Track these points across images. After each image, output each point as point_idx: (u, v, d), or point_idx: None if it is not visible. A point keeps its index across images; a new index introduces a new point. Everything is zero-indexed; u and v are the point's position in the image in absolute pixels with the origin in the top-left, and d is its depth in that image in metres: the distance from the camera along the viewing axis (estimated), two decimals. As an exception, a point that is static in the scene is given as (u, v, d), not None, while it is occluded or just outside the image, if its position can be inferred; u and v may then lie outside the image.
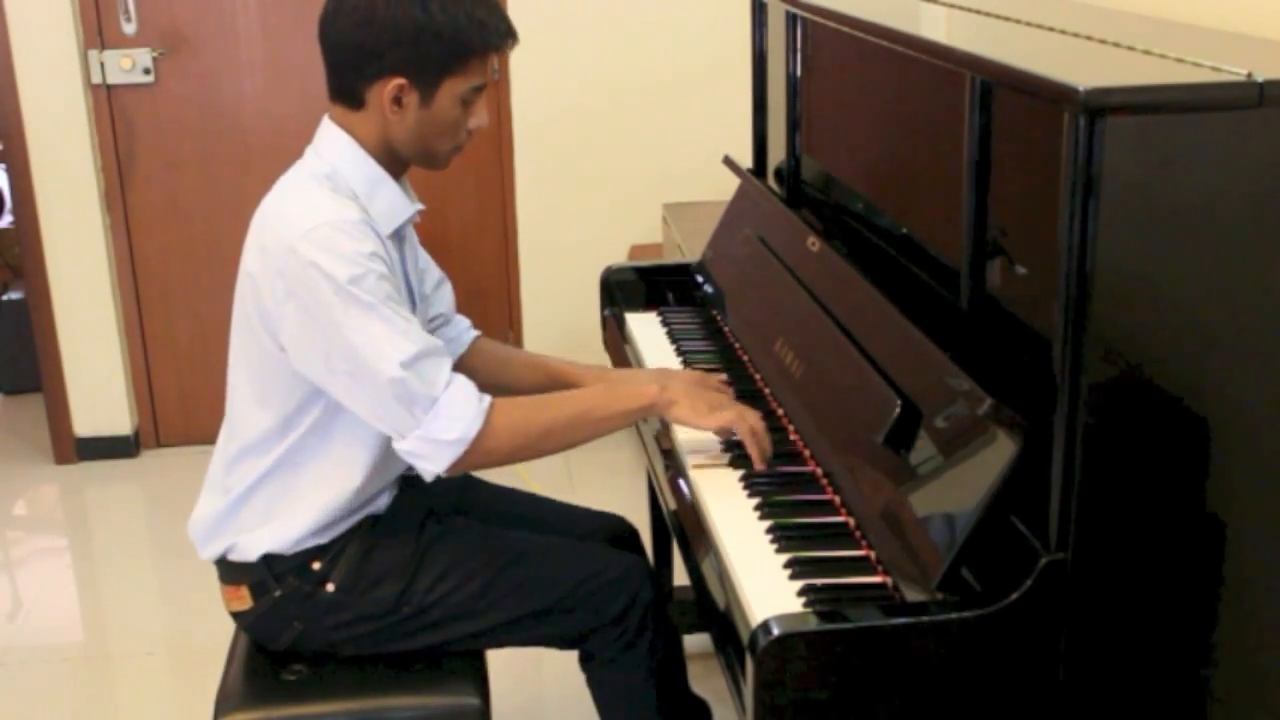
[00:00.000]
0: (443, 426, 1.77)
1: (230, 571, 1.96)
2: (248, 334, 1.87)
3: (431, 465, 1.80)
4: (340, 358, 1.76)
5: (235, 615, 1.99)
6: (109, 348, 3.90)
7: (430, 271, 2.12)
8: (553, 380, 2.21)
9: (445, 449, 1.78)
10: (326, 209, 1.78)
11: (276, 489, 1.90)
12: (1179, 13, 2.00)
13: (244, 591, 1.94)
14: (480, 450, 1.80)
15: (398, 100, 1.81)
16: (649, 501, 2.86)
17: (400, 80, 1.80)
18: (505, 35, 1.84)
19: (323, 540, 1.92)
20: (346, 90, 1.84)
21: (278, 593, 1.92)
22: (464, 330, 2.20)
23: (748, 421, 1.88)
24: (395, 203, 1.88)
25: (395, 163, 1.89)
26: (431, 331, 2.13)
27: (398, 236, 1.92)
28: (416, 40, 1.77)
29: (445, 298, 2.16)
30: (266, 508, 1.91)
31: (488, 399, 1.81)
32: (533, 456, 1.90)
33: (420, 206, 1.95)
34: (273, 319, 1.80)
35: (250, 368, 1.88)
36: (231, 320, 1.91)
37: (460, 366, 2.16)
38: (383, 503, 1.97)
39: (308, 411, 1.86)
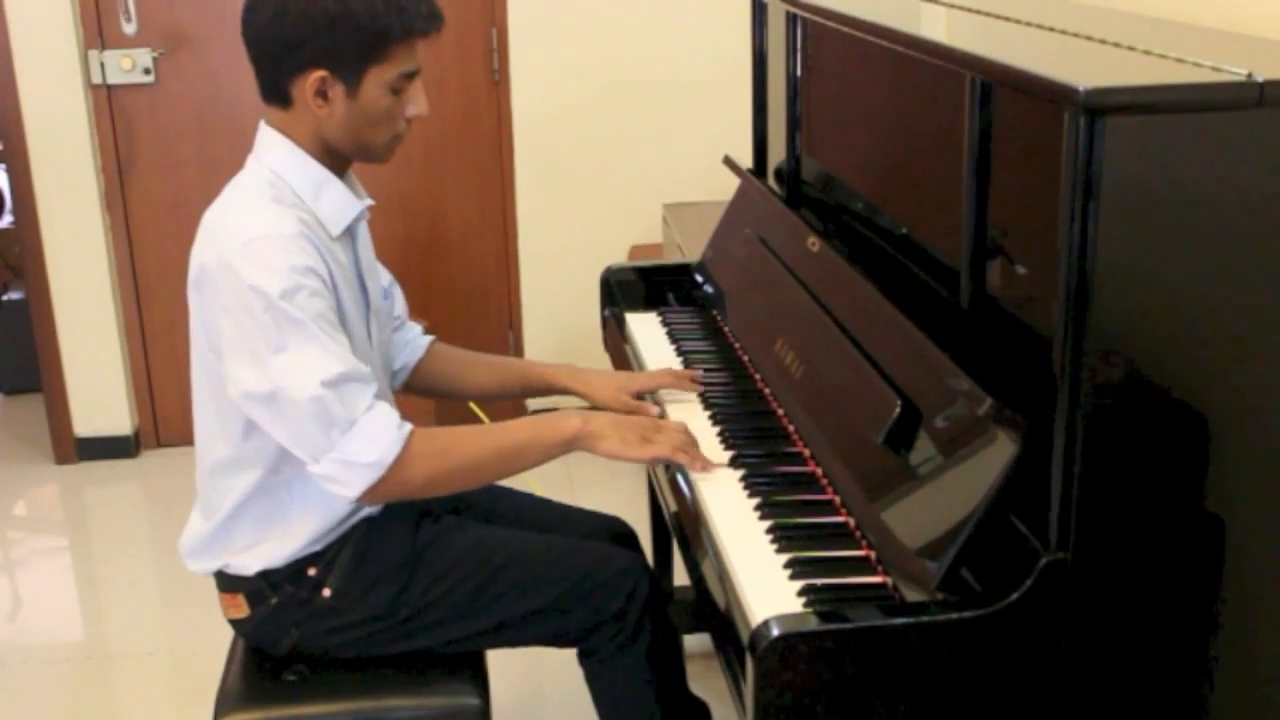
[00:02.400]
0: (358, 449, 1.73)
1: (226, 582, 1.95)
2: (200, 351, 1.84)
3: (345, 490, 1.75)
4: (262, 376, 1.72)
5: (233, 623, 1.98)
6: (109, 348, 3.90)
7: (382, 273, 2.09)
8: (517, 378, 2.20)
9: (360, 472, 1.74)
10: (263, 222, 1.74)
11: (265, 512, 1.88)
12: (1179, 13, 2.00)
13: (240, 600, 1.93)
14: (396, 478, 1.75)
15: (322, 94, 1.77)
16: (649, 502, 2.86)
17: (321, 73, 1.75)
18: (429, 18, 1.78)
19: (317, 547, 1.91)
20: (273, 89, 1.81)
21: (274, 601, 1.91)
22: (418, 335, 2.18)
23: (676, 444, 1.87)
24: (341, 202, 1.85)
25: (336, 159, 1.85)
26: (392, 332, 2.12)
27: (349, 234, 1.89)
28: (331, 29, 1.72)
29: (399, 300, 2.14)
30: (256, 531, 1.89)
31: (408, 426, 1.78)
32: (451, 489, 1.87)
33: (369, 202, 1.91)
34: (215, 335, 1.77)
35: (205, 385, 1.86)
36: (191, 337, 1.88)
37: (419, 372, 2.16)
38: (377, 505, 1.95)
39: (261, 432, 1.82)
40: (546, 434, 1.87)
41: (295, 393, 1.71)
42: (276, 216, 1.76)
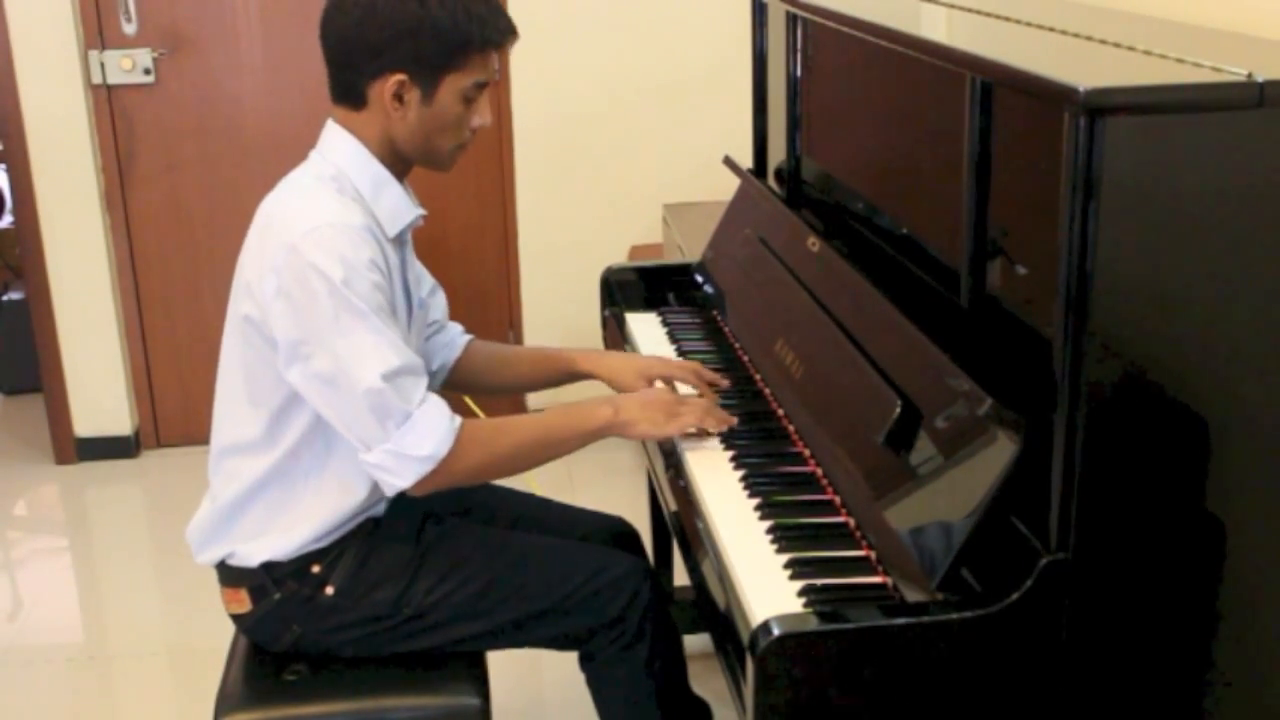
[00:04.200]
0: (413, 442, 1.77)
1: (229, 575, 1.95)
2: (242, 331, 1.85)
3: (397, 480, 1.79)
4: (322, 359, 1.75)
5: (234, 618, 1.99)
6: (109, 348, 3.90)
7: (425, 278, 2.12)
8: (551, 368, 2.26)
9: (414, 464, 1.78)
10: (330, 210, 1.78)
11: (275, 499, 1.89)
12: (1179, 13, 2.00)
13: (243, 594, 1.94)
14: (446, 469, 1.80)
15: (399, 97, 1.81)
16: (649, 502, 2.86)
17: (401, 76, 1.79)
18: (505, 31, 1.84)
19: (322, 544, 1.91)
20: (348, 89, 1.84)
21: (277, 596, 1.91)
22: (457, 335, 2.21)
23: (700, 414, 1.95)
24: (399, 205, 1.89)
25: (399, 163, 1.89)
26: (428, 338, 2.14)
27: (399, 240, 1.92)
28: (416, 35, 1.77)
29: (440, 305, 2.17)
30: (266, 518, 1.90)
31: (459, 419, 1.82)
32: (495, 477, 1.93)
33: (423, 212, 1.94)
34: (267, 315, 1.80)
35: (245, 366, 1.87)
36: (226, 317, 1.90)
37: (458, 370, 2.20)
38: (382, 505, 1.97)
39: (298, 411, 1.85)
40: (582, 423, 1.94)
41: (354, 383, 1.74)
42: (342, 207, 1.79)
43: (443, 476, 1.81)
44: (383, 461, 1.78)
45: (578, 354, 2.24)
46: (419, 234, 2.05)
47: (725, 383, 2.16)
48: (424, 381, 1.81)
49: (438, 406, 1.80)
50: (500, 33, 1.83)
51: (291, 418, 1.86)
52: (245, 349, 1.86)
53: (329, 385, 1.76)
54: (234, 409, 1.90)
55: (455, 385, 2.22)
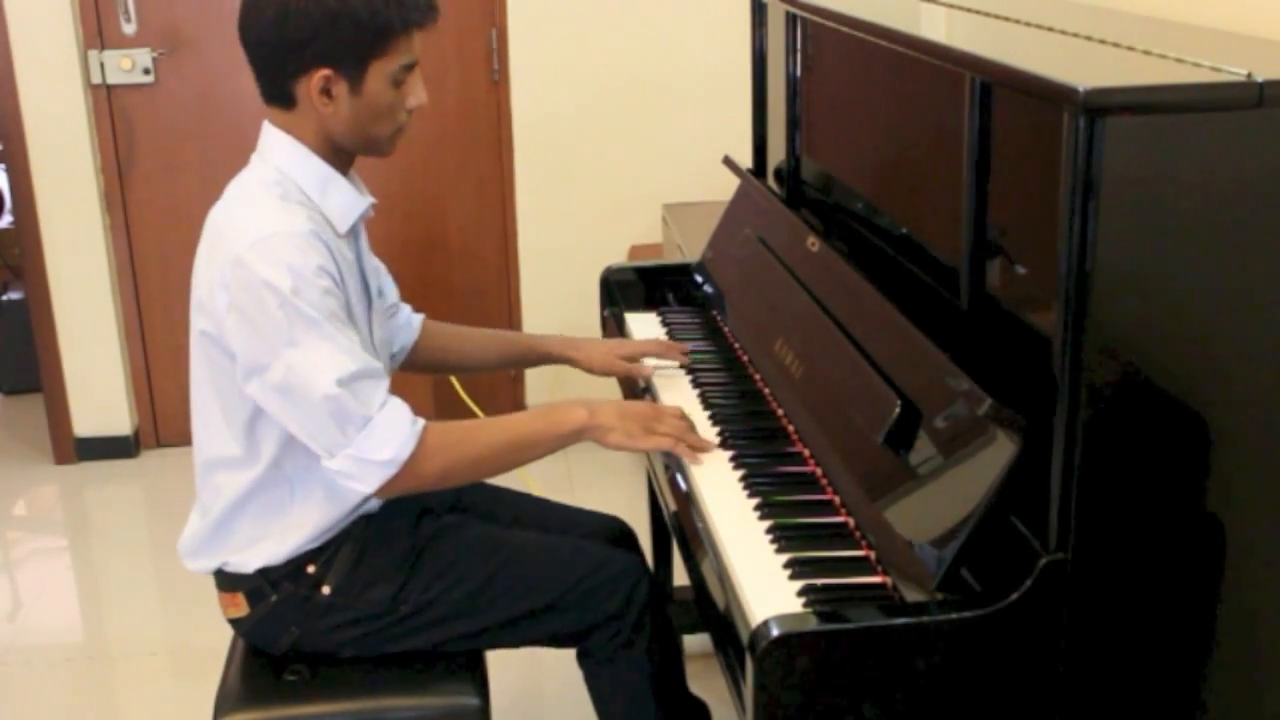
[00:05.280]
0: (374, 446, 1.76)
1: (226, 580, 1.95)
2: (202, 347, 1.85)
3: (361, 485, 1.78)
4: (277, 370, 1.74)
5: (233, 622, 1.99)
6: (109, 348, 3.90)
7: (379, 265, 2.12)
8: (514, 350, 2.28)
9: (375, 469, 1.76)
10: (274, 219, 1.76)
11: (265, 510, 1.89)
12: (1179, 13, 2.00)
13: (240, 599, 1.94)
14: (411, 473, 1.78)
15: (326, 92, 1.79)
16: (649, 502, 2.86)
17: (325, 71, 1.77)
18: (426, 10, 1.81)
19: (316, 544, 1.91)
20: (276, 90, 1.82)
21: (273, 598, 1.91)
22: (411, 315, 2.21)
23: (674, 439, 1.91)
24: (347, 200, 1.87)
25: (340, 156, 1.87)
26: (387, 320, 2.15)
27: (353, 232, 1.91)
28: (334, 28, 1.74)
29: (392, 288, 2.17)
30: (257, 527, 1.90)
31: (421, 421, 1.80)
32: (464, 481, 1.90)
33: (372, 200, 1.93)
34: (221, 330, 1.78)
35: (212, 380, 1.86)
36: (190, 332, 1.89)
37: (418, 349, 2.21)
38: (375, 502, 1.96)
39: (268, 421, 1.83)
40: (556, 425, 1.90)
41: (311, 391, 1.73)
42: (287, 214, 1.77)
43: (407, 480, 1.79)
44: (344, 467, 1.76)
45: (549, 340, 2.27)
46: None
47: (687, 347, 2.27)
48: (384, 385, 1.79)
49: (398, 410, 1.78)
50: (421, 12, 1.80)
51: (263, 428, 1.84)
52: (209, 364, 1.85)
53: (286, 396, 1.75)
54: (209, 423, 1.89)
55: (418, 366, 2.22)
